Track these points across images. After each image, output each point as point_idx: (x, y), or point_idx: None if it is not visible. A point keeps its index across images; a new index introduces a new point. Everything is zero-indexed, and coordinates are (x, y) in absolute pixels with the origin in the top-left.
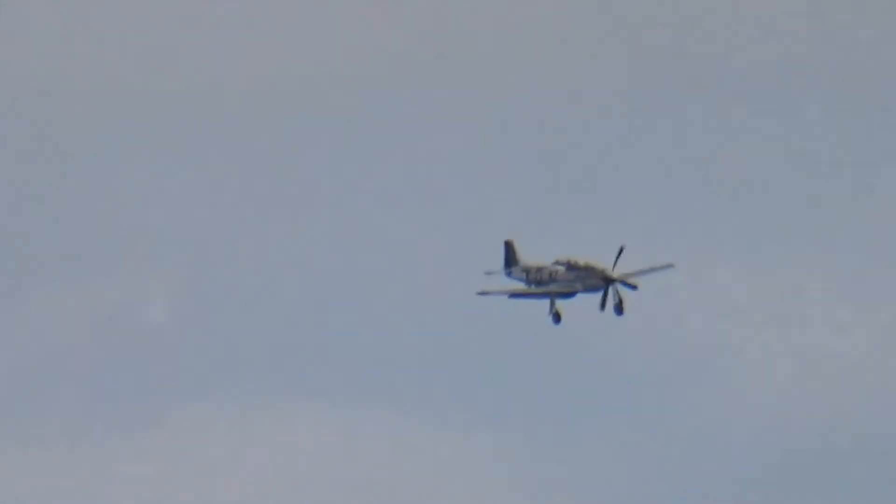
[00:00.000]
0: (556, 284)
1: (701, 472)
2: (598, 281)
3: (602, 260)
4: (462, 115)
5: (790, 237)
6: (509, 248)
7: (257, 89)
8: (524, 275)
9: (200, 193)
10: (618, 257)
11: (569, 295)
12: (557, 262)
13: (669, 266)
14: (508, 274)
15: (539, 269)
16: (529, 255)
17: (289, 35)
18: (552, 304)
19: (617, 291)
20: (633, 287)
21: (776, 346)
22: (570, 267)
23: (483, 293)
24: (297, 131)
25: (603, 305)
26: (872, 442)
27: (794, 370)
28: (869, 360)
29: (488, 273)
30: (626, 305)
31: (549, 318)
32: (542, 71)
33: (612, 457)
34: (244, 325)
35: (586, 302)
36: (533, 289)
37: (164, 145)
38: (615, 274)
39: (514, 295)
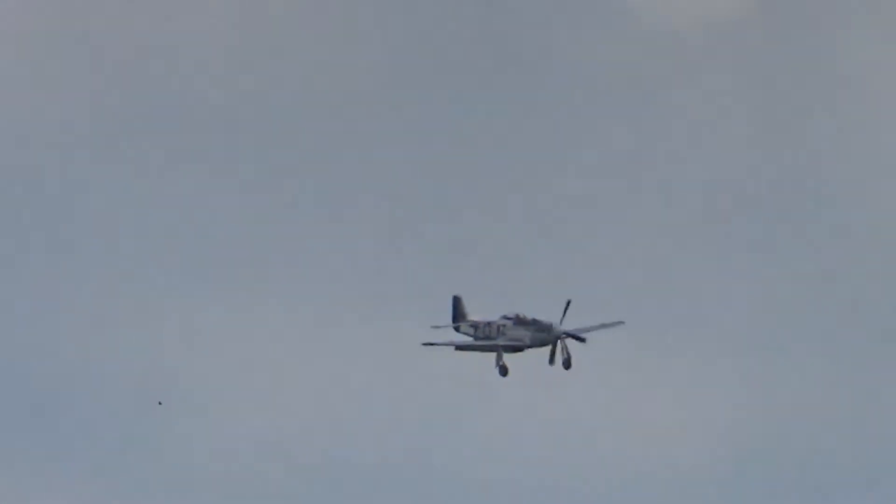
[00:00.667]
0: (503, 338)
1: None
2: (545, 335)
3: (550, 315)
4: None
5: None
6: (457, 303)
7: None
8: (472, 329)
9: None
10: (565, 311)
11: (516, 349)
12: (505, 317)
13: (620, 323)
14: (457, 328)
15: (487, 324)
16: (477, 310)
17: None
18: (499, 357)
19: (565, 346)
20: (582, 340)
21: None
22: (518, 321)
23: (429, 344)
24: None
25: (552, 360)
26: None
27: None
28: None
29: (436, 327)
30: (573, 360)
31: (496, 371)
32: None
33: None
34: None
35: (534, 356)
36: (480, 342)
37: None
38: (563, 328)
39: (461, 347)
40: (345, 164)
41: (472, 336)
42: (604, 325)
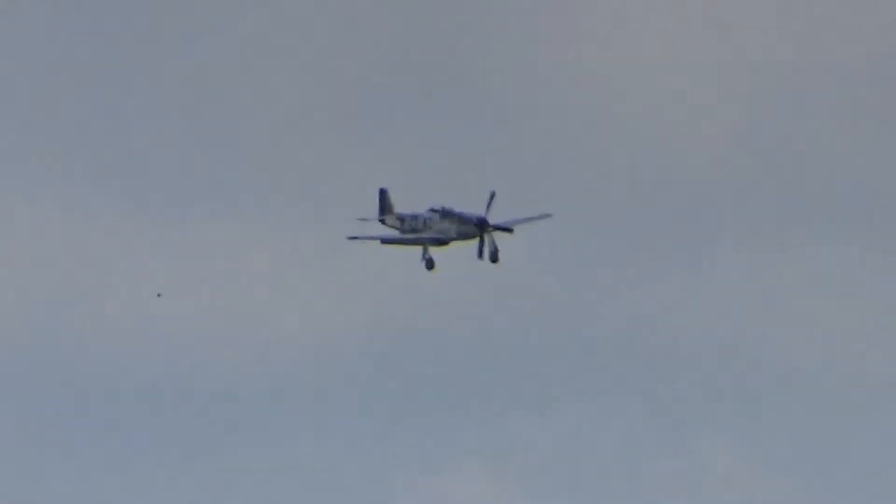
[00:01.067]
0: (429, 232)
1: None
2: (472, 228)
3: (476, 208)
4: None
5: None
6: (384, 196)
7: None
8: (398, 223)
9: None
10: (490, 202)
11: (442, 242)
12: (432, 210)
13: (547, 216)
14: (382, 221)
15: (413, 217)
16: (404, 204)
17: None
18: (425, 250)
19: (492, 239)
20: (510, 230)
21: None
22: (444, 214)
23: (354, 238)
24: None
25: (480, 253)
26: None
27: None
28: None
29: (362, 220)
30: (500, 254)
31: (422, 265)
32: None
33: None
34: None
35: (460, 250)
36: (406, 236)
37: None
38: (490, 221)
39: (386, 241)
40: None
41: (398, 229)
42: (530, 219)
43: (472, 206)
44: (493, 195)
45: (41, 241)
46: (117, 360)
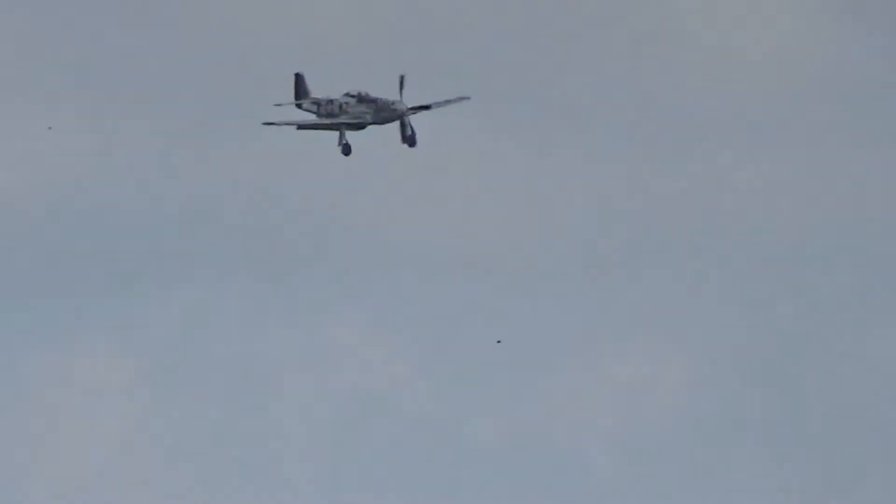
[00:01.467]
0: (346, 116)
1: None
2: (388, 112)
3: (392, 93)
4: None
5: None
6: (300, 81)
7: None
8: (315, 107)
9: None
10: (401, 85)
11: (359, 127)
12: (348, 94)
13: (465, 98)
14: (299, 106)
15: (329, 102)
16: (320, 89)
17: None
18: (342, 135)
19: (409, 123)
20: (427, 107)
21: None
22: (361, 99)
23: (269, 123)
24: None
25: (404, 138)
26: None
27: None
28: None
29: (278, 105)
30: (417, 137)
31: (339, 150)
32: None
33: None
34: None
35: (376, 133)
36: (322, 120)
37: None
38: (406, 104)
39: (303, 126)
40: None
41: (314, 114)
42: (448, 101)
43: (385, 91)
44: (402, 78)
45: None
46: None
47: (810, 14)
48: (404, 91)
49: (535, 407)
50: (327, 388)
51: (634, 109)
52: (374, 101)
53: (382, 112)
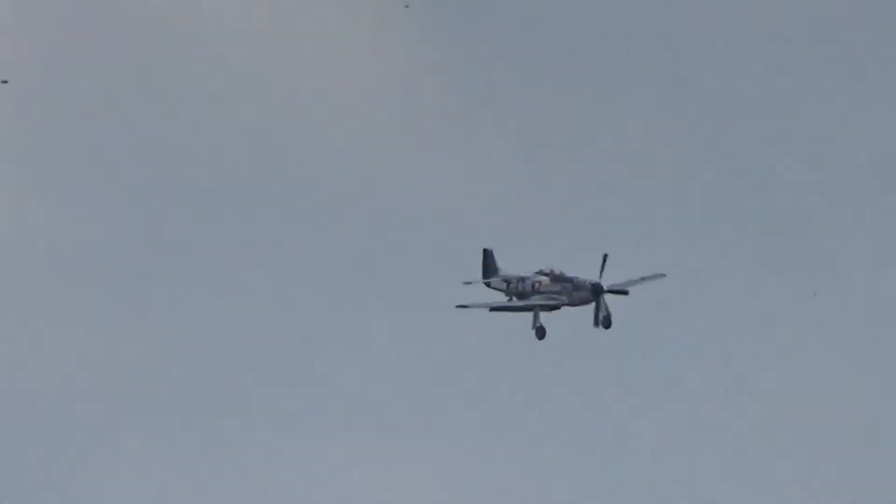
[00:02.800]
0: (539, 297)
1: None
2: (585, 294)
3: (587, 271)
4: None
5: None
6: (488, 257)
7: None
8: (504, 285)
9: None
10: (603, 266)
11: (553, 308)
12: (540, 272)
13: (661, 276)
14: (487, 284)
15: (521, 280)
16: (509, 265)
17: None
18: (535, 317)
19: (605, 304)
20: (625, 293)
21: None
22: (556, 278)
23: (462, 307)
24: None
25: (596, 321)
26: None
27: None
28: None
29: (467, 283)
30: (613, 319)
31: (533, 333)
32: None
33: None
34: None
35: (572, 316)
36: (517, 302)
37: None
38: (604, 285)
39: (496, 308)
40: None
41: (503, 292)
42: (644, 279)
43: (575, 268)
44: (605, 257)
45: None
46: None
47: None
48: (604, 272)
49: None
50: None
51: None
52: (570, 280)
53: (580, 293)
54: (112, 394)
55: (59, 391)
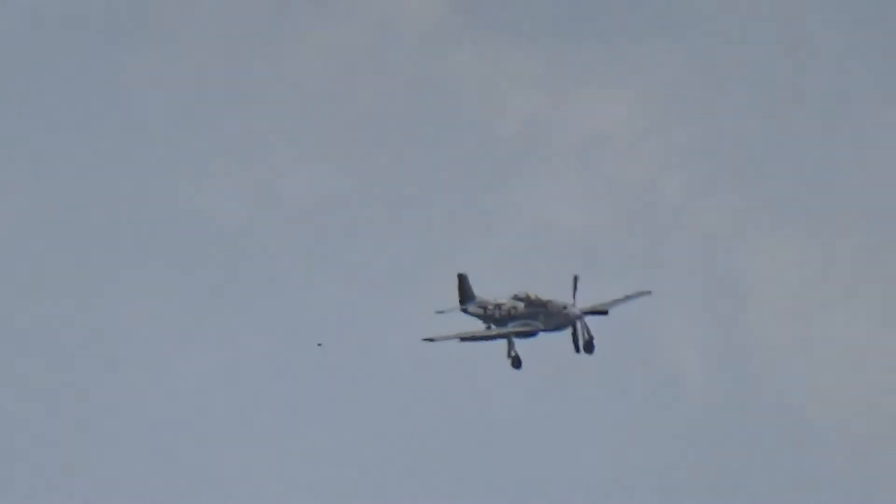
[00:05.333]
0: (514, 323)
1: None
2: (561, 319)
3: (560, 294)
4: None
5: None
6: (463, 282)
7: None
8: (481, 311)
9: None
10: (574, 288)
11: (528, 335)
12: (516, 297)
13: (646, 293)
14: (464, 311)
15: (497, 307)
16: (482, 290)
17: None
18: (510, 346)
19: (585, 327)
20: (604, 313)
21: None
22: (530, 303)
23: (429, 340)
24: None
25: (577, 346)
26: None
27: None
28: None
29: (440, 312)
30: (596, 342)
31: (508, 363)
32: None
33: None
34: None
35: (548, 342)
36: (487, 331)
37: None
38: (580, 308)
39: (466, 339)
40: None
41: (481, 318)
42: (628, 297)
43: (553, 291)
44: (576, 279)
45: None
46: None
47: None
48: (577, 293)
49: None
50: None
51: None
52: (544, 304)
53: (554, 318)
54: None
55: None
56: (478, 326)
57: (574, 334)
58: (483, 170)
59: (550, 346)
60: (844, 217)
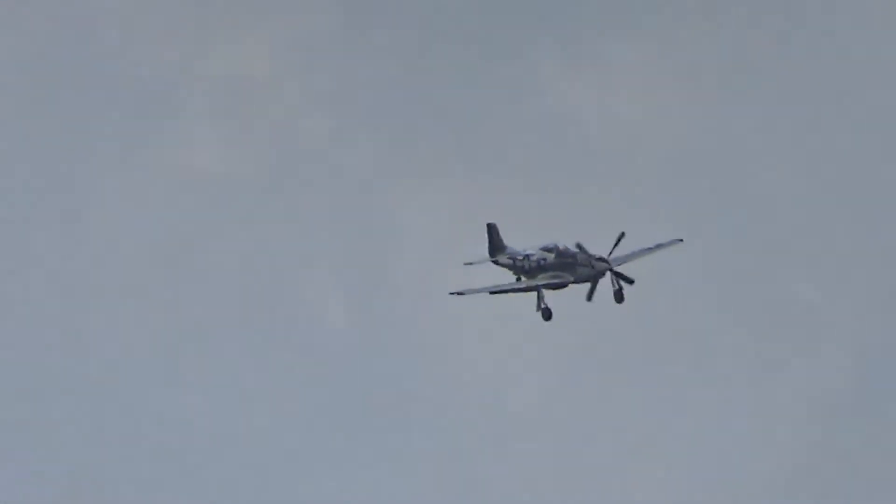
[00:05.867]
0: (544, 275)
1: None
2: (591, 270)
3: (596, 246)
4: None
5: None
6: (493, 232)
7: None
8: (511, 262)
9: None
10: (616, 243)
11: (558, 287)
12: (545, 249)
13: (678, 241)
14: (495, 262)
15: (526, 257)
16: (514, 240)
17: None
18: (539, 298)
19: (615, 278)
20: (631, 281)
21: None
22: (560, 254)
23: (457, 293)
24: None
25: (590, 296)
26: None
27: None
28: None
29: (468, 264)
30: (626, 293)
31: (538, 315)
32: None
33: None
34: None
35: (579, 294)
36: (516, 284)
37: None
38: (611, 263)
39: (496, 291)
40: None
41: (510, 268)
42: (660, 246)
43: (587, 243)
44: (621, 235)
45: None
46: None
47: None
48: (616, 248)
49: None
50: None
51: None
52: (572, 256)
53: (581, 270)
54: None
55: None
56: (508, 278)
57: (593, 286)
58: None
59: (579, 297)
60: None
